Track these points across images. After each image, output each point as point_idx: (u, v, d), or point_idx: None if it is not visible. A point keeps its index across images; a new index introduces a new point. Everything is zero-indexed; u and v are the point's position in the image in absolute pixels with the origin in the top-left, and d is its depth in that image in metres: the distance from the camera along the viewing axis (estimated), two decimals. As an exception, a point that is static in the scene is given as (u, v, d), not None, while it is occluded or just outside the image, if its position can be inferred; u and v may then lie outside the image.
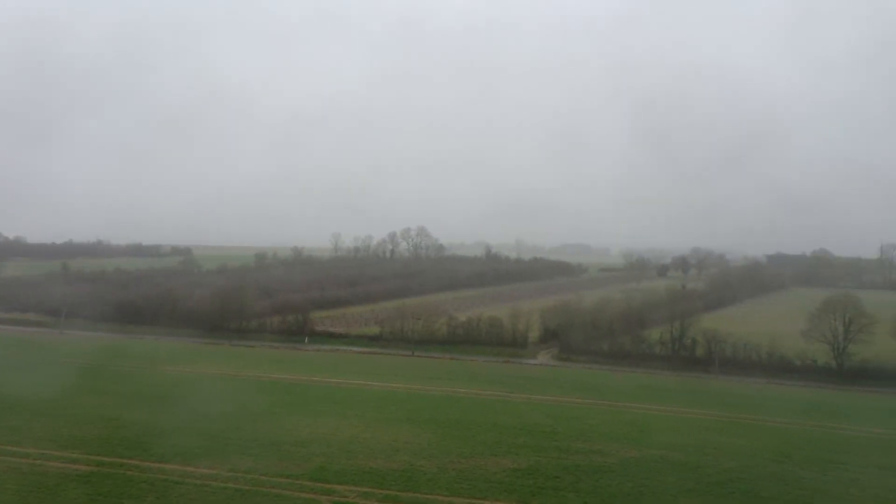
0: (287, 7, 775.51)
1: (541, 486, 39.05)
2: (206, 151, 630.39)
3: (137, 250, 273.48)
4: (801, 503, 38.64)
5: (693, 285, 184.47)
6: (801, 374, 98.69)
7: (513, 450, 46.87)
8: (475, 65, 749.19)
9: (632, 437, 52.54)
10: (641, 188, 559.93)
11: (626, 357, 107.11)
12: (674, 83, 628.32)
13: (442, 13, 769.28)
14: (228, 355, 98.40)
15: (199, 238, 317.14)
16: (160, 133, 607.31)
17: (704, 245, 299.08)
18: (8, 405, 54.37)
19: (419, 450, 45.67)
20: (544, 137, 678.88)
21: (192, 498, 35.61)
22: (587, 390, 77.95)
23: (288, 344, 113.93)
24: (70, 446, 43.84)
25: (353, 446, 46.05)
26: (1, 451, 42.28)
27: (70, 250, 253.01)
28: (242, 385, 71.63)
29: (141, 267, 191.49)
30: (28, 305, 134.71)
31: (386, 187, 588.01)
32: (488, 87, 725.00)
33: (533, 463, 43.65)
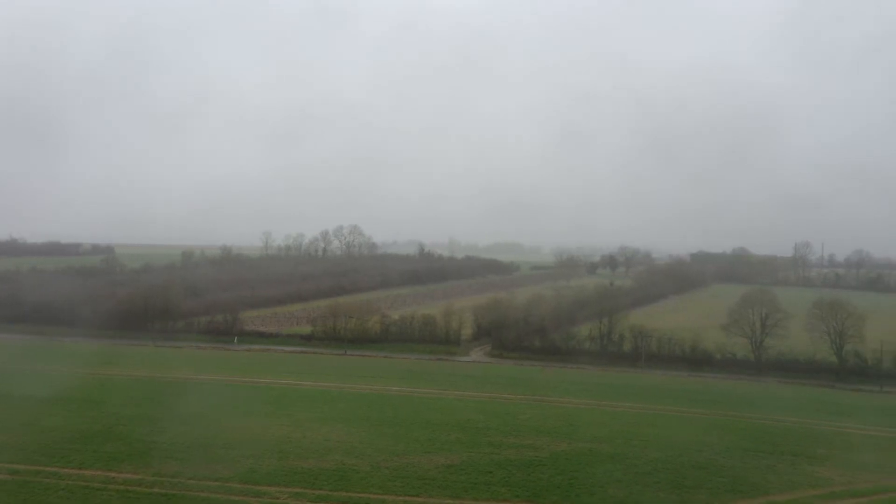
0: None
1: (474, 482, 39.35)
2: (139, 147, 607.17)
3: (55, 249, 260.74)
4: (723, 490, 40.18)
5: (621, 282, 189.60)
6: (722, 366, 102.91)
7: (446, 446, 47.06)
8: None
9: (562, 431, 53.53)
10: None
11: (557, 353, 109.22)
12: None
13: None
14: (152, 356, 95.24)
15: (122, 236, 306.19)
16: (91, 127, 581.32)
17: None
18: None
19: (352, 449, 45.30)
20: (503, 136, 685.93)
21: (114, 504, 34.34)
22: (519, 386, 79.00)
23: (216, 344, 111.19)
24: (-19, 454, 41.54)
25: (285, 447, 45.30)
26: None
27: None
28: (167, 387, 69.45)
29: (59, 266, 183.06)
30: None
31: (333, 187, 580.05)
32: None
33: (466, 459, 43.95)
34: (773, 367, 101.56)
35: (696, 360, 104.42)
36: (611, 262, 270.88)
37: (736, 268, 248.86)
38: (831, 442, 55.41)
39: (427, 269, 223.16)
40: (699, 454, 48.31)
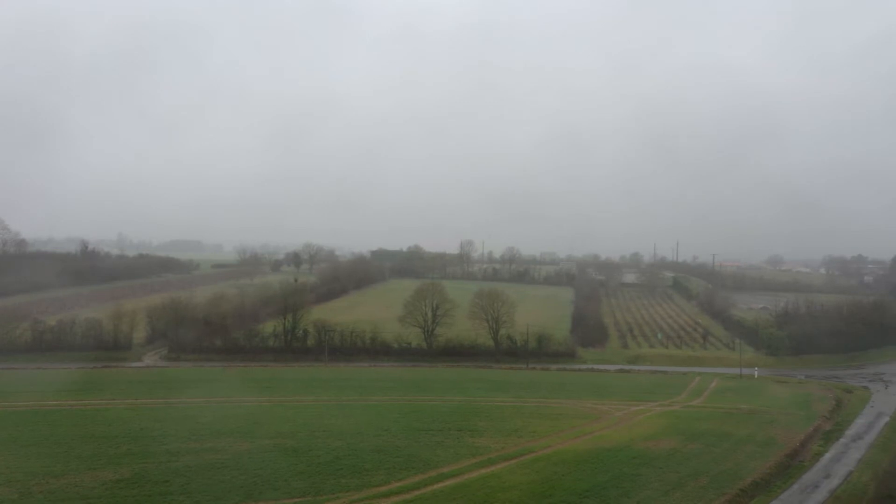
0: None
1: (147, 494, 36.66)
2: None
3: None
4: (399, 469, 43.18)
5: (305, 279, 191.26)
6: (399, 355, 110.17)
7: (114, 460, 43.01)
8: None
9: (245, 431, 52.49)
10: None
11: (241, 351, 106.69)
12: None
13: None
14: None
15: None
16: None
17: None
18: None
19: (-6, 476, 38.94)
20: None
21: None
22: (198, 388, 75.33)
23: None
24: None
25: None
26: None
27: None
28: None
29: None
30: None
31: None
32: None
33: (138, 471, 40.70)
34: (443, 352, 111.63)
35: (376, 350, 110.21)
36: (295, 259, 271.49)
37: (411, 263, 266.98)
38: (489, 415, 62.89)
39: (92, 269, 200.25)
40: (378, 438, 51.19)
